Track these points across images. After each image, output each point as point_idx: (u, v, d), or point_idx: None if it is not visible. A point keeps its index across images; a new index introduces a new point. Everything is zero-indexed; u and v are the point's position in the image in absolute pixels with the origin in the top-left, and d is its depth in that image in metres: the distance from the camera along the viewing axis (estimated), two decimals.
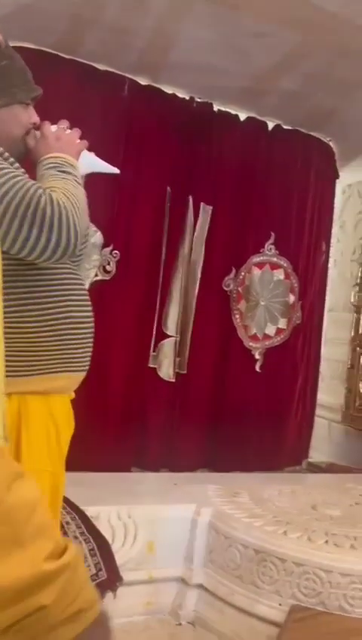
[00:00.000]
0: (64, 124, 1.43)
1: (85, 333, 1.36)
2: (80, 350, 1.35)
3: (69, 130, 1.41)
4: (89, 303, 1.40)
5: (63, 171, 1.31)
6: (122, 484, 2.70)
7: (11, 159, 1.29)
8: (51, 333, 1.29)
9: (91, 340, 1.39)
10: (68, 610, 0.53)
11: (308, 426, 3.89)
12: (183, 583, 2.33)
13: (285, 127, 3.52)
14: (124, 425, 3.14)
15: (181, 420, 3.34)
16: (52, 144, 1.36)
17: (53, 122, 1.45)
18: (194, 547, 2.34)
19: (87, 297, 1.40)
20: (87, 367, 1.39)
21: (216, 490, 2.59)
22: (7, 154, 1.28)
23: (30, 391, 1.27)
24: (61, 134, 1.38)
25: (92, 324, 1.39)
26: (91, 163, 1.45)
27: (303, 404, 3.81)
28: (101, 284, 3.04)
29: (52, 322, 1.30)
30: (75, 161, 1.36)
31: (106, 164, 1.49)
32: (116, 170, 1.50)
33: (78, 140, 1.41)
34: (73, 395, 1.41)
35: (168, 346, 3.30)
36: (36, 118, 1.44)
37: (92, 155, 1.46)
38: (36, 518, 0.56)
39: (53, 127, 1.40)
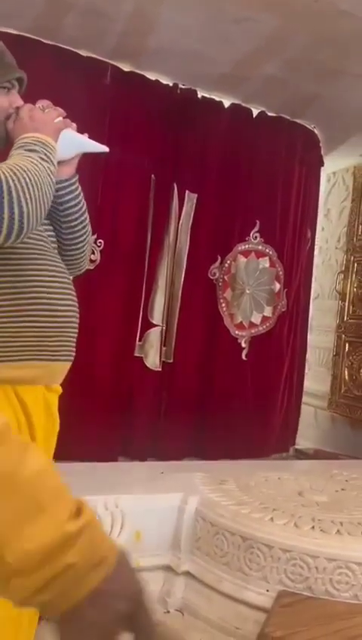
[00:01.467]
0: (42, 102, 1.36)
1: (60, 321, 1.29)
2: (53, 338, 1.28)
3: (48, 110, 1.35)
4: (68, 290, 1.33)
5: (29, 149, 1.23)
6: (109, 474, 2.69)
7: None
8: (17, 319, 1.22)
9: (71, 328, 1.33)
10: (92, 561, 0.57)
11: (294, 413, 3.91)
12: (171, 571, 2.34)
13: (269, 113, 3.50)
14: (110, 414, 3.13)
15: (168, 409, 3.34)
16: (27, 125, 1.29)
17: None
18: (181, 535, 2.34)
19: (66, 284, 1.33)
20: (66, 357, 1.32)
21: (203, 478, 2.60)
22: None
23: None
24: (35, 114, 1.31)
25: (72, 312, 1.33)
26: (78, 143, 1.39)
27: (289, 392, 3.83)
28: (85, 273, 2.99)
29: (18, 307, 1.23)
30: (49, 140, 1.28)
31: (94, 142, 1.42)
32: (105, 149, 1.44)
33: (58, 119, 1.34)
34: (58, 388, 1.36)
35: (154, 335, 3.29)
36: (19, 102, 1.37)
37: (78, 135, 1.39)
38: (51, 482, 0.59)
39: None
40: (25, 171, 1.16)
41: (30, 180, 1.16)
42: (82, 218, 1.44)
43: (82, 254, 1.48)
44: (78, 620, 0.56)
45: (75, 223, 1.43)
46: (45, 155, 1.25)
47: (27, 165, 1.18)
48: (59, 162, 1.32)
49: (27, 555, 0.54)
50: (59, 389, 1.36)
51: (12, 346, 1.23)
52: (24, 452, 0.59)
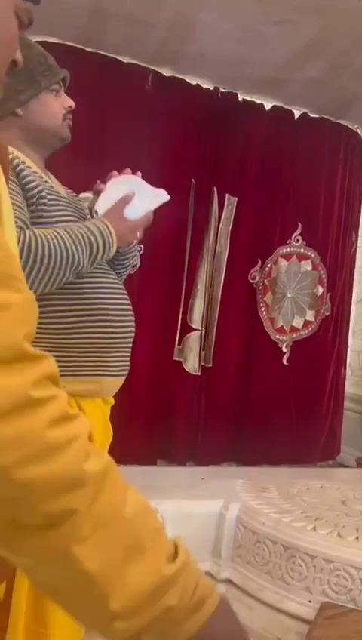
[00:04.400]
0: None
1: (121, 338, 1.34)
2: (113, 354, 1.33)
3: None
4: (127, 307, 1.38)
5: (90, 234, 1.29)
6: (148, 478, 2.69)
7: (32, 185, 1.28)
8: (82, 337, 1.28)
9: (128, 344, 1.37)
10: (191, 603, 0.56)
11: (338, 419, 3.83)
12: (211, 577, 2.32)
13: (311, 115, 3.45)
14: (150, 418, 3.13)
15: (207, 413, 3.32)
16: (115, 219, 1.34)
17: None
18: (221, 542, 2.32)
19: (125, 300, 1.39)
20: (123, 373, 1.37)
21: (244, 485, 2.57)
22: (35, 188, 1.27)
23: None
24: (132, 225, 1.38)
25: (130, 329, 1.37)
26: (142, 205, 1.43)
27: (334, 398, 3.76)
28: (126, 278, 3.03)
29: (80, 324, 1.28)
30: (113, 243, 1.34)
31: (156, 193, 1.47)
32: (166, 197, 1.48)
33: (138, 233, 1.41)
34: (112, 400, 1.39)
35: (193, 340, 3.28)
36: (70, 102, 1.41)
37: (144, 196, 1.44)
38: (151, 522, 0.58)
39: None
40: (59, 245, 1.22)
41: (54, 254, 1.21)
42: (133, 262, 1.54)
43: (125, 273, 1.56)
44: None
45: (126, 265, 1.54)
46: (96, 248, 1.29)
47: (66, 242, 1.24)
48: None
49: (130, 598, 0.54)
50: (113, 401, 1.39)
51: (77, 361, 1.28)
52: (125, 490, 0.58)
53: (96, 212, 1.38)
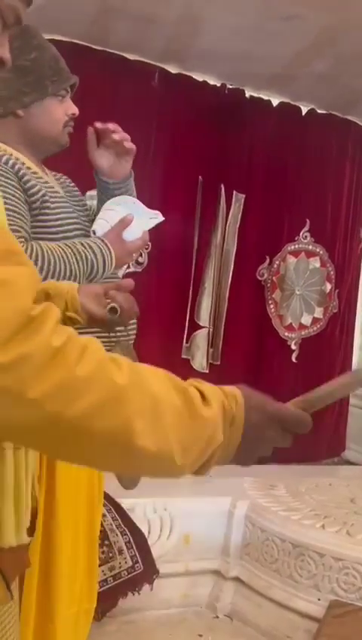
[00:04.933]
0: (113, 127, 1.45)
1: (122, 338, 1.34)
2: (119, 351, 1.33)
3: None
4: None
5: (91, 252, 1.32)
6: None
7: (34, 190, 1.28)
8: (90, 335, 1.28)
9: (132, 340, 1.37)
10: (230, 423, 0.70)
11: (344, 416, 3.82)
12: (220, 575, 2.32)
13: (319, 111, 3.42)
14: None
15: None
16: (115, 241, 1.36)
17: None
18: (230, 540, 2.32)
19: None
20: None
21: (252, 482, 2.56)
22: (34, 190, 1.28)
23: None
24: (130, 248, 1.40)
25: (134, 326, 1.37)
26: (139, 227, 1.44)
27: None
28: (133, 275, 3.02)
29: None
30: (111, 266, 1.37)
31: (148, 215, 1.47)
32: (160, 218, 1.50)
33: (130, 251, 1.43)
34: None
35: (201, 337, 3.27)
36: (74, 109, 1.41)
37: (139, 210, 1.45)
38: (174, 383, 0.69)
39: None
40: (60, 258, 1.26)
41: (54, 262, 1.25)
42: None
43: None
44: (244, 455, 0.74)
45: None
46: (96, 271, 1.33)
47: (68, 257, 1.27)
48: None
49: (191, 455, 0.67)
50: None
51: None
52: (144, 372, 0.68)
53: (94, 232, 1.39)
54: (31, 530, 0.81)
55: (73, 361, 0.58)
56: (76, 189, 1.53)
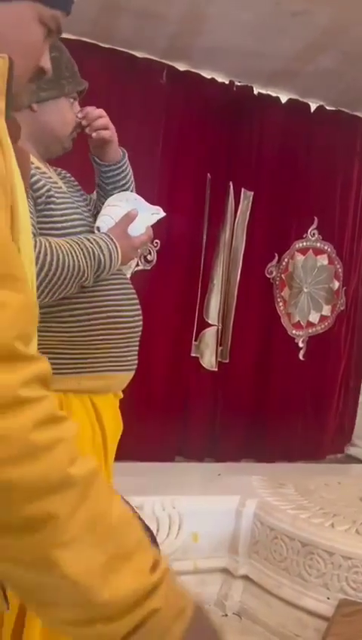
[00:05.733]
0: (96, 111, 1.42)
1: (130, 334, 1.35)
2: (124, 349, 1.34)
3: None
4: (135, 302, 1.38)
5: (95, 254, 1.30)
6: (166, 474, 2.70)
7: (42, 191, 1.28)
8: (93, 334, 1.29)
9: (137, 339, 1.38)
10: (175, 609, 0.57)
11: (351, 413, 3.81)
12: (228, 574, 2.32)
13: (328, 107, 3.41)
14: (167, 414, 3.13)
15: (224, 409, 3.32)
16: (121, 237, 1.35)
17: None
18: (239, 538, 2.32)
19: (135, 296, 1.39)
20: (133, 367, 1.38)
21: (261, 481, 2.56)
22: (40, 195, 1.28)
23: (72, 389, 1.27)
24: (136, 243, 1.39)
25: (139, 323, 1.38)
26: (142, 222, 1.43)
27: (346, 392, 3.73)
28: (142, 273, 3.03)
29: (94, 321, 1.29)
30: (118, 262, 1.35)
31: (152, 210, 1.47)
32: (161, 214, 1.49)
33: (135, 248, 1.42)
34: (121, 394, 1.40)
35: (210, 335, 3.27)
36: (81, 114, 1.42)
37: (142, 214, 1.44)
38: (136, 530, 0.59)
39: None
40: (66, 258, 1.24)
41: (61, 267, 1.23)
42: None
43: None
44: None
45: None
46: (103, 267, 1.31)
47: (74, 255, 1.25)
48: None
49: (116, 601, 0.53)
50: (122, 395, 1.39)
51: (89, 358, 1.30)
52: (111, 498, 0.58)
53: (98, 228, 1.39)
54: None
55: (30, 423, 0.51)
56: (76, 182, 1.53)
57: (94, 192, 1.59)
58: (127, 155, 1.51)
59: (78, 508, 0.52)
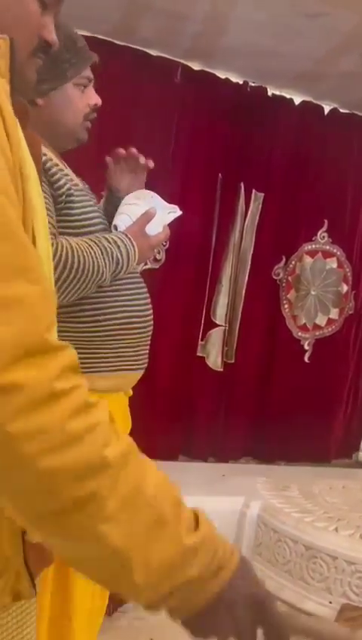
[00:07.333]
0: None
1: (143, 332, 1.35)
2: (135, 349, 1.34)
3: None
4: (148, 301, 1.38)
5: (113, 254, 1.30)
6: (170, 473, 2.68)
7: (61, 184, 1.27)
8: (106, 334, 1.29)
9: (148, 338, 1.37)
10: (211, 570, 0.61)
11: (358, 418, 3.79)
12: None
13: (342, 110, 3.39)
14: (171, 413, 3.14)
15: (228, 409, 3.32)
16: (139, 236, 1.34)
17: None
18: (242, 540, 2.32)
19: (147, 296, 1.39)
20: (144, 366, 1.38)
21: (265, 483, 2.56)
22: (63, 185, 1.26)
23: None
24: (153, 242, 1.38)
25: (151, 323, 1.37)
26: (160, 221, 1.43)
27: (354, 397, 3.72)
28: (150, 272, 3.02)
29: (110, 321, 1.29)
30: (135, 261, 1.35)
31: (167, 209, 1.46)
32: (178, 212, 1.47)
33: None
34: (130, 392, 1.40)
35: (216, 335, 3.26)
36: (97, 99, 1.34)
37: (158, 204, 1.44)
38: (171, 494, 0.62)
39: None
40: (90, 258, 1.24)
41: (84, 267, 1.24)
42: None
43: None
44: (202, 622, 0.62)
45: None
46: (121, 267, 1.31)
47: (97, 257, 1.25)
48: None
49: (153, 571, 0.58)
50: (131, 393, 1.39)
51: (103, 358, 1.30)
52: (145, 468, 0.62)
53: (115, 227, 1.38)
54: None
55: (66, 413, 0.54)
56: (84, 182, 1.52)
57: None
58: None
59: (117, 483, 0.56)
